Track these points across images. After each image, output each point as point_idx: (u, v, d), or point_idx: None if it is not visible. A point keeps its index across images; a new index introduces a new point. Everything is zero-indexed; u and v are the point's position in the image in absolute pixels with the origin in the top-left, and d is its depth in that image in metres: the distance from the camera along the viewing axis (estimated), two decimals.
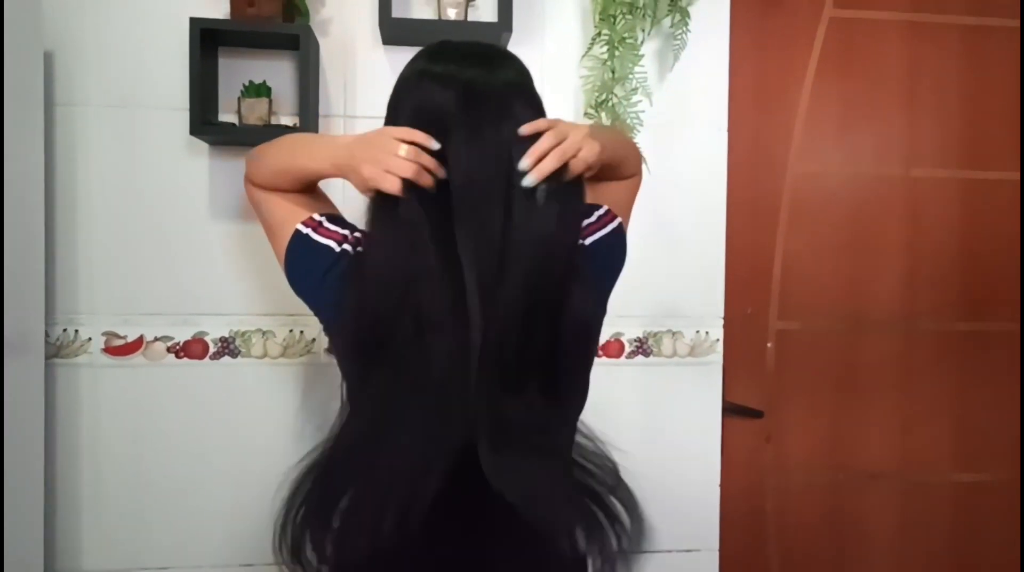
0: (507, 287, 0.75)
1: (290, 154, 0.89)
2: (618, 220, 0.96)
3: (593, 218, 0.93)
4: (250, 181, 0.94)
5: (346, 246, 0.85)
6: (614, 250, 0.95)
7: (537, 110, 0.84)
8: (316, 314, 0.91)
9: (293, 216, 0.89)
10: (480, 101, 0.79)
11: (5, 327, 1.15)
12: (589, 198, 0.96)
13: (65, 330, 1.35)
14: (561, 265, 0.79)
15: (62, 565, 1.36)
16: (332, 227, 0.88)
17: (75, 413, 1.36)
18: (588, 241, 0.91)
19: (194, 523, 1.39)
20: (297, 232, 0.87)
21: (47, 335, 1.33)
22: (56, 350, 1.35)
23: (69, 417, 1.36)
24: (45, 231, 1.29)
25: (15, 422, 1.19)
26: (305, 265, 0.87)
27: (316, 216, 0.88)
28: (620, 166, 0.98)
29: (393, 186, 0.76)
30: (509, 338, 0.75)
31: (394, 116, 0.85)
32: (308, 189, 0.92)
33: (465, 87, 0.79)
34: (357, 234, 0.87)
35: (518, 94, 0.83)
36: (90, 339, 1.36)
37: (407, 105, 0.83)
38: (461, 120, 0.78)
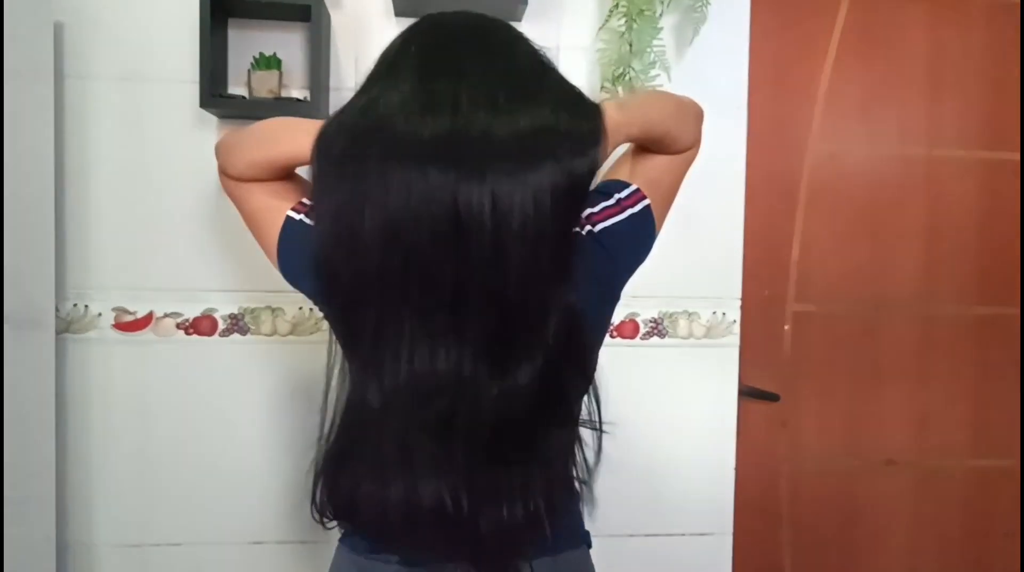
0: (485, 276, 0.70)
1: (271, 143, 0.84)
2: (644, 203, 0.87)
3: (611, 201, 0.85)
4: (225, 174, 0.88)
5: None
6: (631, 238, 0.86)
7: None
8: (314, 300, 0.87)
9: (278, 205, 0.84)
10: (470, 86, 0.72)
11: (17, 302, 1.14)
12: (628, 171, 0.91)
13: (75, 305, 1.34)
14: (543, 256, 0.71)
15: (74, 538, 1.36)
16: None
17: (85, 387, 1.35)
18: (598, 227, 0.83)
19: (204, 499, 1.39)
20: (289, 218, 0.83)
21: (57, 310, 1.32)
22: (66, 325, 1.34)
23: (79, 391, 1.35)
24: (55, 205, 1.27)
25: (27, 396, 1.19)
26: (301, 252, 0.81)
27: (306, 201, 0.84)
28: (663, 141, 0.88)
29: None
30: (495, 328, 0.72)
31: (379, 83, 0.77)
32: (288, 175, 0.87)
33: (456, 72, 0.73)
34: None
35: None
36: (100, 314, 1.35)
37: (391, 80, 0.76)
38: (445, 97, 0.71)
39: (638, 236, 0.87)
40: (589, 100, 0.77)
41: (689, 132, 0.92)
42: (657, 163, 0.91)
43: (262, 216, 0.86)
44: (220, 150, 0.89)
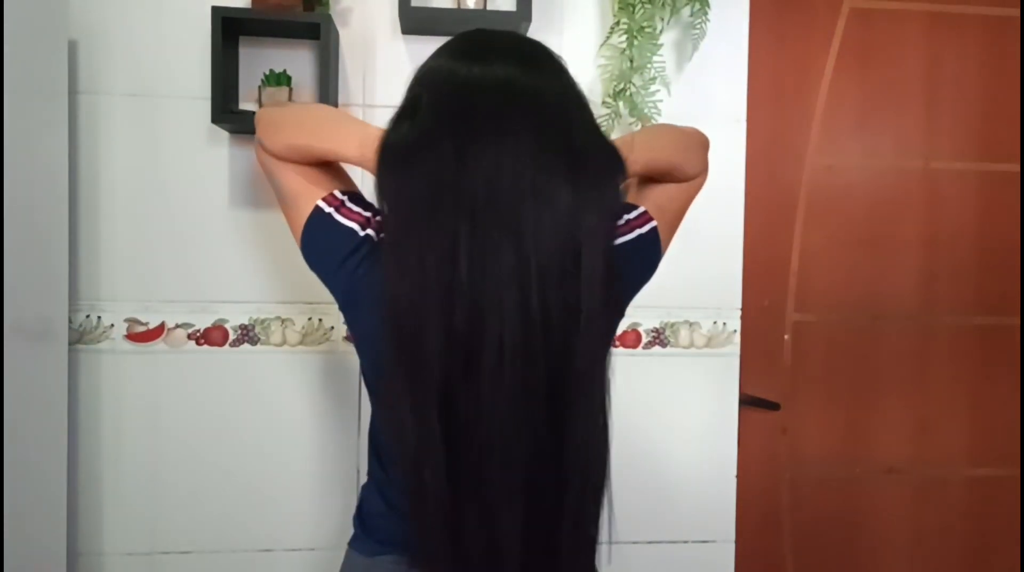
0: (536, 293, 0.72)
1: (315, 131, 0.84)
2: (651, 225, 0.89)
3: (620, 221, 0.87)
4: (264, 148, 0.86)
5: (369, 231, 0.81)
6: (638, 257, 0.89)
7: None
8: (330, 291, 0.88)
9: (311, 190, 0.84)
10: (517, 103, 0.75)
11: (30, 313, 1.17)
12: (635, 197, 0.93)
13: (88, 316, 1.37)
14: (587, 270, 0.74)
15: (84, 547, 1.38)
16: (355, 208, 0.83)
17: (97, 398, 1.38)
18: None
19: (213, 509, 1.41)
20: (318, 209, 0.83)
21: (70, 321, 1.35)
22: (79, 336, 1.36)
23: (91, 402, 1.38)
24: (69, 218, 1.30)
25: (39, 406, 1.21)
26: (325, 246, 0.83)
27: (338, 193, 0.84)
28: (670, 173, 0.92)
29: None
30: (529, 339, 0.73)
31: (415, 108, 0.77)
32: (326, 165, 0.87)
33: (503, 87, 0.75)
34: (379, 218, 0.82)
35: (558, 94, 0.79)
36: (112, 325, 1.37)
37: (434, 100, 0.77)
38: (492, 123, 0.73)
39: (645, 255, 0.90)
40: (612, 143, 0.81)
41: (695, 162, 0.94)
42: (664, 190, 0.93)
43: (292, 197, 0.86)
44: (261, 122, 0.88)
